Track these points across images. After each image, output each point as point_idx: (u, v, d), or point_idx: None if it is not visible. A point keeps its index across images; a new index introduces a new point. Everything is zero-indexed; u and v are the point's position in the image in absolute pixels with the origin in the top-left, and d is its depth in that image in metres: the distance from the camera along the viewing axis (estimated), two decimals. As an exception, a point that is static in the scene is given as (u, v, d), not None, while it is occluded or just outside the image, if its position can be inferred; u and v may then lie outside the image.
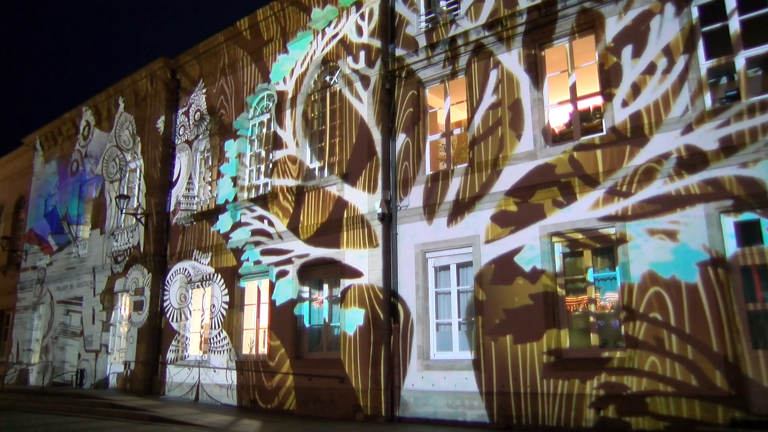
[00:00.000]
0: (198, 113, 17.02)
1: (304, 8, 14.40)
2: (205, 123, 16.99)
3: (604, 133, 9.57)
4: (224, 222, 15.18)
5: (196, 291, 15.96)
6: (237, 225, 14.83)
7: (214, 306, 14.96)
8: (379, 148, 12.14)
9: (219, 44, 16.54)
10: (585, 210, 9.42)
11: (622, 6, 9.62)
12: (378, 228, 11.75)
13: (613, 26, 9.68)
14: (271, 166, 14.71)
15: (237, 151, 15.51)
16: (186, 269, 16.01)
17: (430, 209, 11.28)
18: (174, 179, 17.32)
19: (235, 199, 15.08)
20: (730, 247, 8.20)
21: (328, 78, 14.09)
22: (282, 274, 13.40)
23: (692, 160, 8.54)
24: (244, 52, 15.97)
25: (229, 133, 15.82)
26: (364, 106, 12.71)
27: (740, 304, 7.96)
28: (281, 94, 14.66)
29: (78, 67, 69.80)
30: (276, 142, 14.54)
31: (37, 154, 23.58)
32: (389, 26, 12.74)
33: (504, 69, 10.84)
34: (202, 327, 15.67)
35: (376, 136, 12.27)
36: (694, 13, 8.99)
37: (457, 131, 12.19)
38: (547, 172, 9.92)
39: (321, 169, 13.78)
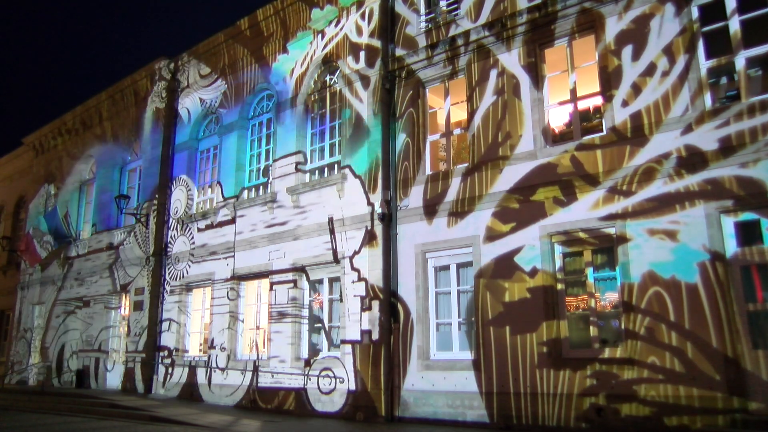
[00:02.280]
0: (198, 112, 17.03)
1: (307, 2, 14.39)
2: (206, 122, 17.02)
3: (604, 133, 9.57)
4: (225, 221, 15.18)
5: (196, 291, 15.96)
6: (237, 224, 14.83)
7: (214, 306, 14.96)
8: (379, 148, 12.14)
9: (219, 44, 16.55)
10: (585, 210, 9.42)
11: (622, 6, 9.62)
12: (378, 228, 11.75)
13: (613, 26, 9.68)
14: (271, 165, 14.71)
15: (237, 151, 15.51)
16: (186, 268, 16.00)
17: (430, 209, 11.28)
18: (174, 179, 17.30)
19: (236, 198, 15.08)
20: (730, 247, 8.19)
21: (328, 78, 14.10)
22: (282, 273, 13.39)
23: (692, 160, 8.54)
24: (245, 52, 15.97)
25: (230, 133, 15.83)
26: (364, 106, 12.71)
27: (740, 304, 7.96)
28: (281, 94, 14.66)
29: (78, 66, 69.81)
30: (276, 142, 14.54)
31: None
32: (389, 26, 12.75)
33: (504, 69, 10.84)
34: (201, 328, 15.68)
35: (376, 136, 12.27)
36: (694, 13, 9.00)
37: (457, 131, 12.18)
38: (547, 172, 9.92)
39: (321, 169, 13.79)
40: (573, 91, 10.23)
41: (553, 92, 10.64)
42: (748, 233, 8.23)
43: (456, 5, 11.94)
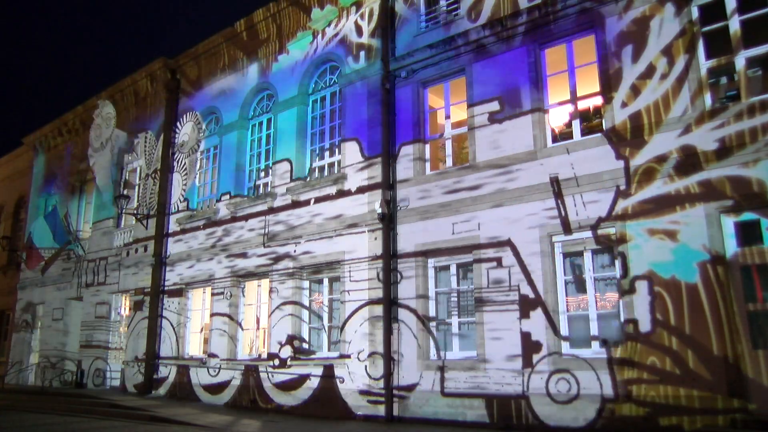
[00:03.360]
0: (198, 113, 17.01)
1: (303, 8, 14.42)
2: (205, 123, 17.01)
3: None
4: (224, 221, 15.18)
5: (196, 291, 15.95)
6: (238, 225, 14.83)
7: (214, 306, 14.96)
8: (378, 149, 12.14)
9: (218, 44, 16.56)
10: (585, 210, 9.41)
11: (622, 6, 9.62)
12: (378, 228, 11.74)
13: (613, 26, 9.68)
14: (271, 165, 14.72)
15: (237, 151, 15.51)
16: (186, 269, 16.00)
17: (430, 209, 11.27)
18: (174, 180, 17.29)
19: (236, 198, 15.08)
20: (730, 247, 8.19)
21: (328, 78, 14.11)
22: (282, 273, 13.39)
23: (692, 160, 8.54)
24: (244, 52, 15.97)
25: (229, 133, 15.83)
26: (364, 106, 12.71)
27: (740, 304, 7.95)
28: (281, 94, 14.66)
29: (78, 66, 69.80)
30: (276, 142, 14.54)
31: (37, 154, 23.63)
32: (389, 26, 12.75)
33: (504, 69, 10.83)
34: (202, 328, 15.68)
35: (376, 136, 12.26)
36: (694, 13, 8.99)
37: (457, 131, 12.16)
38: (547, 172, 9.91)
39: (321, 168, 13.80)
40: (573, 91, 10.23)
41: (553, 92, 10.63)
42: (748, 233, 8.22)
43: (456, 5, 11.95)
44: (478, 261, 10.46)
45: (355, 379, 11.55)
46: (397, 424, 10.67)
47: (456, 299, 10.98)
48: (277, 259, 13.65)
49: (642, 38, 9.34)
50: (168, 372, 15.71)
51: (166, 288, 16.50)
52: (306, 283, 13.27)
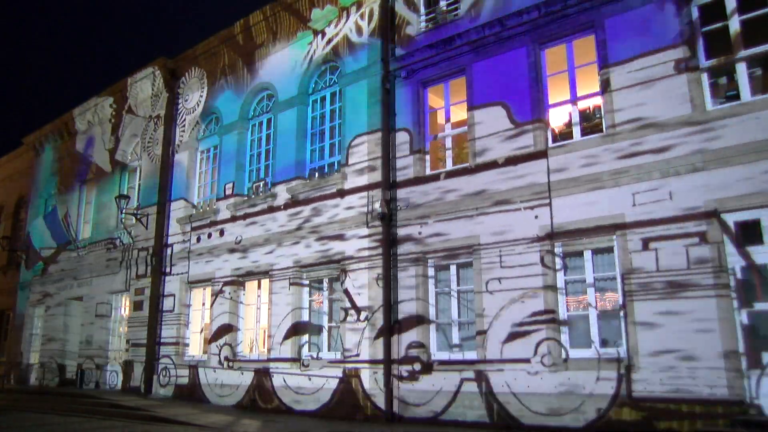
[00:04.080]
0: (198, 113, 17.01)
1: (302, 9, 14.42)
2: (205, 123, 17.01)
3: (605, 132, 9.57)
4: (225, 221, 15.17)
5: (196, 291, 15.95)
6: (238, 224, 14.82)
7: (210, 304, 14.95)
8: (379, 149, 12.14)
9: (218, 45, 16.56)
10: (585, 210, 9.42)
11: (622, 6, 9.62)
12: (378, 228, 11.75)
13: (613, 26, 9.68)
14: (271, 166, 14.72)
15: (237, 151, 15.51)
16: (186, 268, 15.99)
17: (430, 209, 11.27)
18: (174, 179, 17.28)
19: (236, 198, 15.08)
20: (730, 247, 8.19)
21: (328, 78, 14.11)
22: (283, 273, 13.39)
23: (692, 159, 8.54)
24: (243, 52, 15.97)
25: (230, 133, 15.83)
26: (364, 106, 12.71)
27: (740, 305, 7.95)
28: (281, 94, 14.66)
29: (78, 66, 69.78)
30: (276, 143, 14.54)
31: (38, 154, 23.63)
32: (389, 26, 12.75)
33: (503, 69, 10.83)
34: (202, 329, 15.67)
35: (376, 136, 12.27)
36: (694, 13, 8.99)
37: (457, 131, 12.17)
38: (547, 172, 9.91)
39: (321, 168, 13.80)
40: (573, 91, 10.23)
41: (553, 92, 10.64)
42: (748, 233, 8.22)
43: (456, 5, 11.95)
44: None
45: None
46: (397, 424, 10.67)
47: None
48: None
49: (642, 38, 9.31)
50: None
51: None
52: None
